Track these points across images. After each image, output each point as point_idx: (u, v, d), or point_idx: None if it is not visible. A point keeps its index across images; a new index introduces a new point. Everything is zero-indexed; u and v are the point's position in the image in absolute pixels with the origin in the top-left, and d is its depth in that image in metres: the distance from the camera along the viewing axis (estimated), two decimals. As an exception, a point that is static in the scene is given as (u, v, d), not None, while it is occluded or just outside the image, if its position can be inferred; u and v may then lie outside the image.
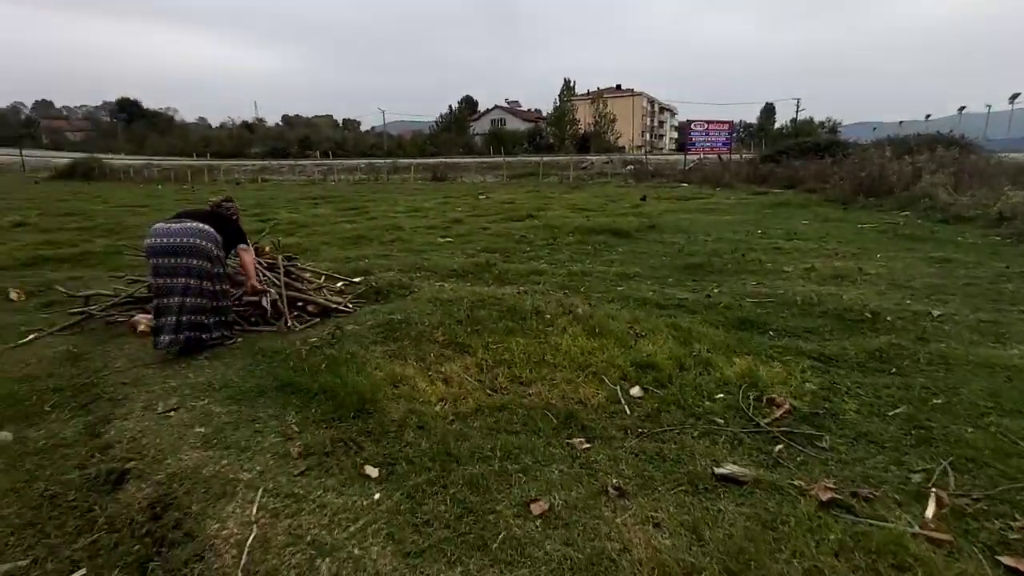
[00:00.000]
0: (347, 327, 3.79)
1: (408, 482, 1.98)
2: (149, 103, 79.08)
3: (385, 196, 19.34)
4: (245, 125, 78.90)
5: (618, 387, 2.80)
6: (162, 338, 3.47)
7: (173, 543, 1.78)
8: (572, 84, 66.01)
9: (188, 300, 3.51)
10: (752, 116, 77.35)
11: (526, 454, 2.14)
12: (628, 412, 2.56)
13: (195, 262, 3.49)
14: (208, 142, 61.10)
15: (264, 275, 4.49)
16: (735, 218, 10.74)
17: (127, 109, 74.26)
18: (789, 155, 23.02)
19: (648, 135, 78.20)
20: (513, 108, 75.26)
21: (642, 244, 8.02)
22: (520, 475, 2.00)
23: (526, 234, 8.82)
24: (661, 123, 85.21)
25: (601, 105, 58.87)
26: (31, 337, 4.03)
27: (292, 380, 2.92)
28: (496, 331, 3.63)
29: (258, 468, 2.12)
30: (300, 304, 4.46)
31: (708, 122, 24.50)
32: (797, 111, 61.19)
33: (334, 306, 4.47)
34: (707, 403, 2.66)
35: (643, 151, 61.20)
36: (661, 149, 73.88)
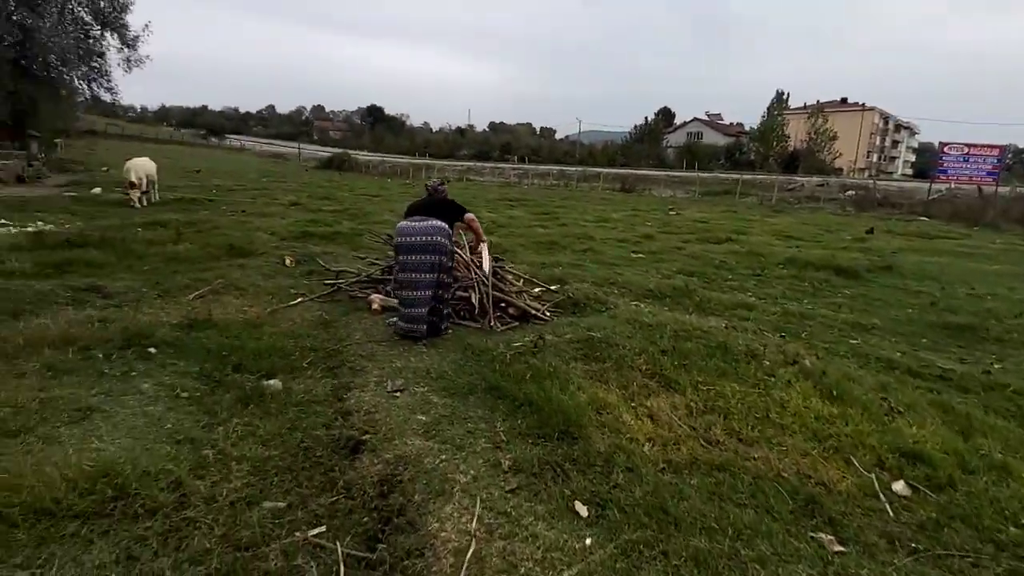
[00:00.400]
0: (547, 336, 3.82)
1: (622, 535, 1.83)
2: (389, 109, 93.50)
3: (575, 204, 19.67)
4: (458, 130, 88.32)
5: (873, 476, 2.27)
6: (416, 327, 3.90)
7: (398, 528, 1.91)
8: (785, 96, 59.34)
9: (434, 292, 3.91)
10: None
11: (761, 539, 1.82)
12: (892, 514, 2.04)
13: (438, 258, 3.88)
14: (428, 144, 69.73)
15: (475, 273, 4.80)
16: (1007, 268, 8.37)
17: (373, 114, 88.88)
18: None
19: (876, 157, 66.33)
20: (712, 121, 70.60)
21: (875, 288, 6.70)
22: (757, 567, 1.70)
23: (726, 259, 8.06)
24: (895, 143, 71.56)
25: (820, 120, 51.68)
26: (298, 300, 4.92)
27: (499, 384, 3.01)
28: (705, 370, 3.29)
29: (472, 472, 2.19)
30: (503, 305, 4.66)
31: (969, 145, 19.62)
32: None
33: (533, 312, 4.57)
34: (1012, 530, 1.99)
35: (866, 174, 51.85)
36: (891, 174, 62.07)
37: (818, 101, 62.62)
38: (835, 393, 2.99)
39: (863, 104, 62.63)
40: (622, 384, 3.11)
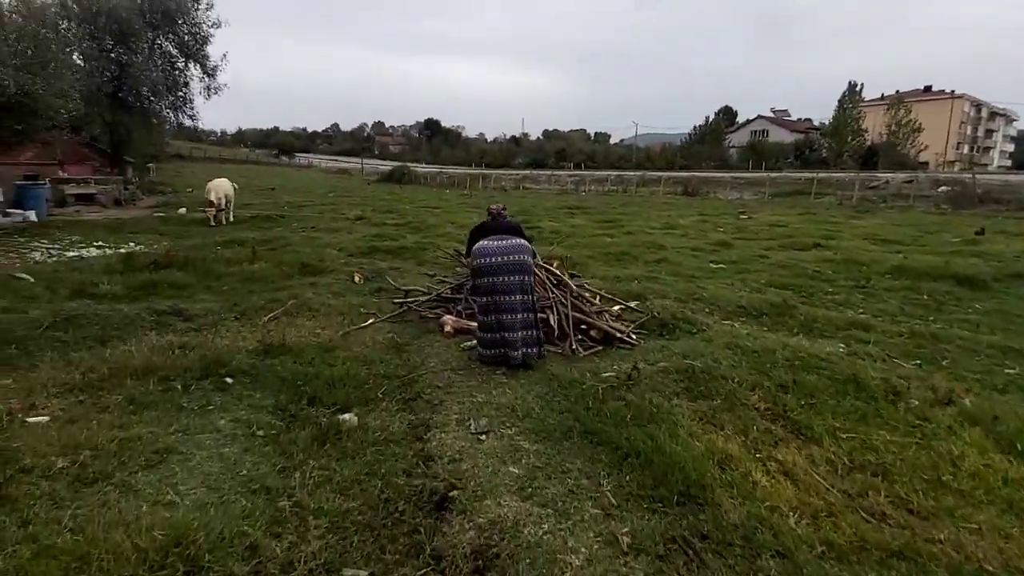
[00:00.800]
0: (640, 365, 3.41)
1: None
2: (445, 122, 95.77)
3: (638, 210, 18.98)
4: (513, 139, 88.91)
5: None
6: (509, 353, 3.61)
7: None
8: (859, 87, 54.87)
9: (525, 315, 3.63)
10: None
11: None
12: None
13: (526, 278, 3.60)
14: (483, 154, 70.64)
15: (552, 292, 4.46)
16: None
17: (430, 127, 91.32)
18: None
19: (968, 148, 60.35)
20: (778, 118, 66.90)
21: (1011, 301, 5.75)
22: None
23: (820, 269, 7.27)
24: (989, 133, 64.81)
25: (902, 111, 47.63)
26: (369, 322, 4.77)
27: (596, 428, 2.64)
28: (840, 412, 2.78)
29: (584, 551, 1.84)
30: (583, 327, 4.30)
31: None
32: None
33: (618, 335, 4.17)
34: None
35: (957, 167, 46.91)
36: (985, 166, 56.16)
37: (897, 91, 57.88)
38: (1020, 447, 2.40)
39: (953, 91, 57.34)
40: (739, 428, 2.66)
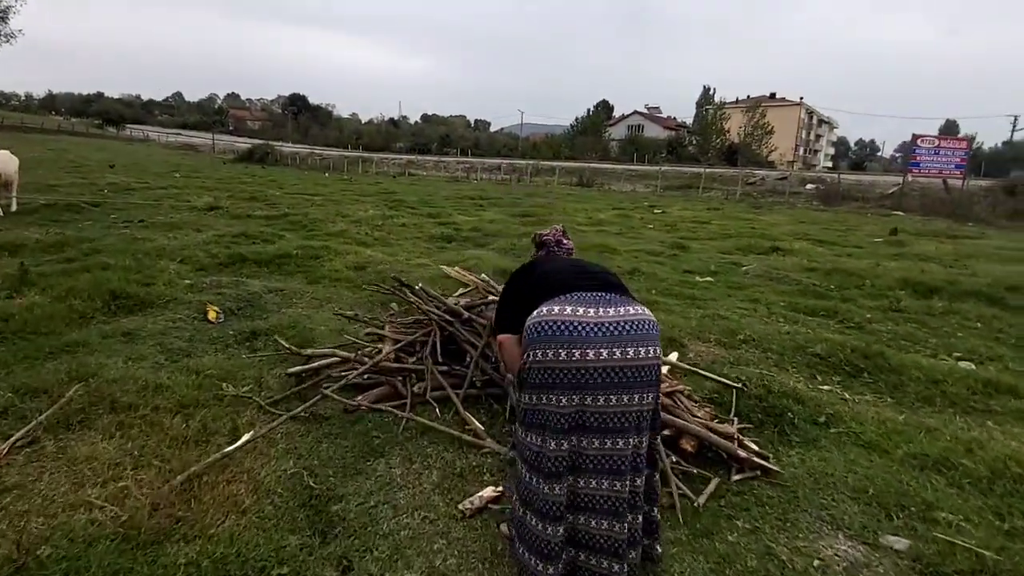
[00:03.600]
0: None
1: None
2: (313, 99, 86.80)
3: (548, 202, 17.59)
4: (391, 122, 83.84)
5: None
6: (615, 568, 1.60)
7: None
8: (712, 92, 60.48)
9: (635, 481, 1.63)
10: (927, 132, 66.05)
11: None
12: None
13: (649, 398, 1.59)
14: (360, 135, 65.20)
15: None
16: None
17: (296, 103, 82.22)
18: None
19: (802, 150, 69.48)
20: (652, 114, 70.99)
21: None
22: None
23: (817, 282, 6.16)
24: (818, 137, 75.52)
25: (758, 115, 52.92)
26: (245, 438, 2.41)
27: None
28: None
29: None
30: (668, 433, 2.41)
31: (939, 138, 19.57)
32: (1013, 130, 50.24)
33: (735, 450, 2.34)
34: None
35: (795, 167, 53.72)
36: (814, 166, 65.16)
37: (748, 96, 64.58)
38: None
39: (801, 99, 65.32)
40: None
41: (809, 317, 4.81)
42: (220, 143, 45.16)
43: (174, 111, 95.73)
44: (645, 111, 71.06)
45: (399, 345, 3.04)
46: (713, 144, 53.77)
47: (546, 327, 1.58)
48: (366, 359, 2.98)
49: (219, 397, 2.91)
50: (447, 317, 3.01)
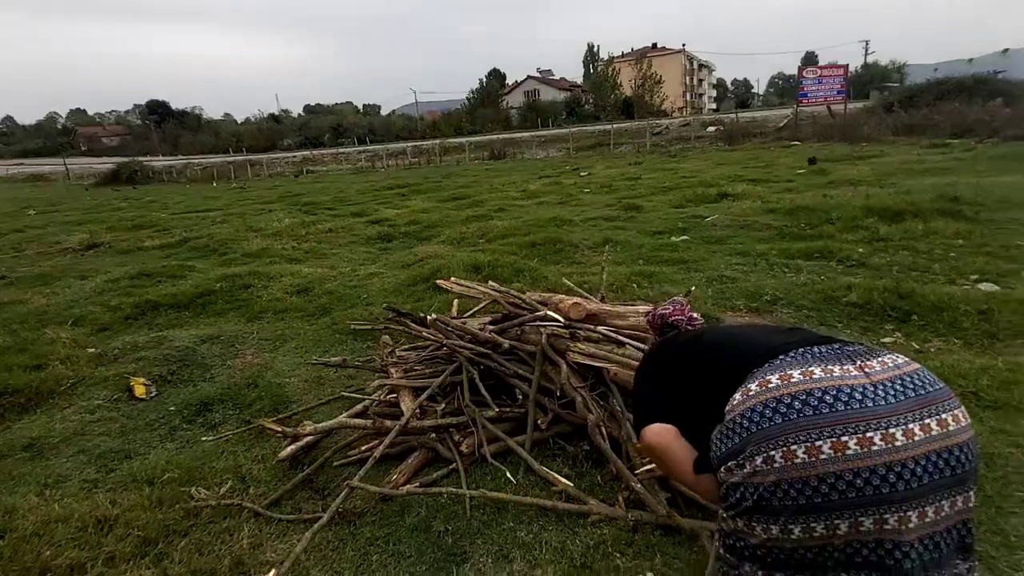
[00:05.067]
0: None
1: None
2: (176, 103, 77.75)
3: (471, 180, 16.85)
4: (272, 117, 77.30)
5: None
6: None
7: None
8: (596, 48, 61.81)
9: None
10: (788, 67, 72.70)
11: None
12: None
13: (971, 498, 0.99)
14: (239, 137, 59.49)
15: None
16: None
17: (157, 111, 73.25)
18: (920, 101, 19.65)
19: (689, 95, 73.16)
20: (546, 77, 70.99)
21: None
22: None
23: (789, 224, 6.07)
24: (700, 81, 79.77)
25: (645, 65, 54.60)
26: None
27: None
28: None
29: None
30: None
31: (821, 68, 21.01)
32: (867, 55, 55.89)
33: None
34: None
35: (686, 112, 56.65)
36: (701, 109, 69.08)
37: (632, 49, 66.45)
38: None
39: (683, 46, 68.22)
40: None
41: (809, 262, 4.66)
42: (75, 167, 39.21)
43: (8, 138, 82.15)
44: (538, 75, 70.95)
45: (425, 395, 2.37)
46: (609, 100, 54.95)
47: (795, 403, 0.95)
48: (387, 422, 2.29)
49: (192, 512, 2.13)
50: (480, 349, 2.38)
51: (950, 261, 4.26)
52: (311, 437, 2.39)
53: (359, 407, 2.61)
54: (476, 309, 3.07)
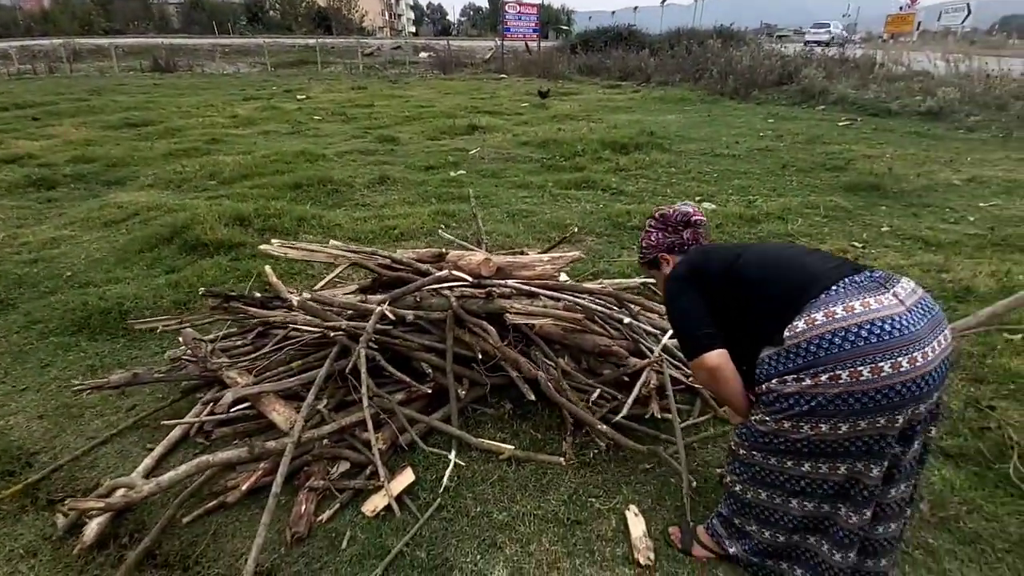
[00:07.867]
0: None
1: None
2: None
3: (143, 101, 12.93)
4: None
5: None
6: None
7: None
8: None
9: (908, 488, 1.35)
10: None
11: None
12: None
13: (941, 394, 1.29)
14: None
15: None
16: (684, 119, 10.01)
17: None
18: (592, 46, 23.12)
19: (388, 15, 70.68)
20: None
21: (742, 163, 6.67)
22: None
23: (556, 156, 6.60)
24: (397, 2, 77.71)
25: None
26: None
27: None
28: None
29: None
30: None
31: (520, 4, 22.72)
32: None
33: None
34: None
35: (387, 32, 54.94)
36: (400, 31, 68.02)
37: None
38: None
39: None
40: None
41: (580, 191, 5.24)
42: None
43: None
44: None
45: (312, 395, 1.80)
46: (300, 9, 48.51)
47: (862, 332, 1.15)
48: (268, 444, 1.67)
49: None
50: (379, 326, 1.90)
51: (675, 186, 5.42)
52: (140, 494, 1.56)
53: (176, 433, 1.84)
54: (330, 278, 2.42)
